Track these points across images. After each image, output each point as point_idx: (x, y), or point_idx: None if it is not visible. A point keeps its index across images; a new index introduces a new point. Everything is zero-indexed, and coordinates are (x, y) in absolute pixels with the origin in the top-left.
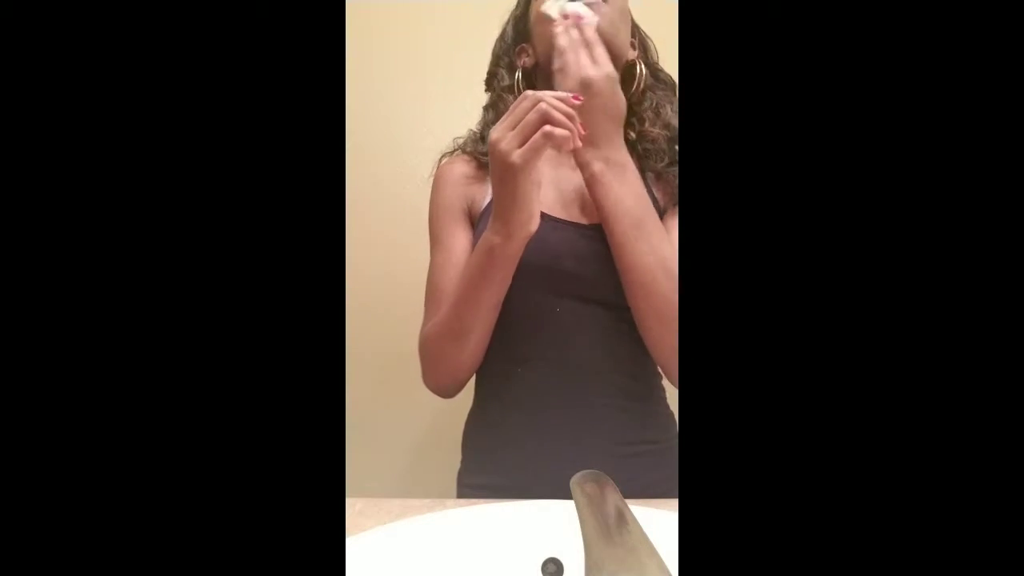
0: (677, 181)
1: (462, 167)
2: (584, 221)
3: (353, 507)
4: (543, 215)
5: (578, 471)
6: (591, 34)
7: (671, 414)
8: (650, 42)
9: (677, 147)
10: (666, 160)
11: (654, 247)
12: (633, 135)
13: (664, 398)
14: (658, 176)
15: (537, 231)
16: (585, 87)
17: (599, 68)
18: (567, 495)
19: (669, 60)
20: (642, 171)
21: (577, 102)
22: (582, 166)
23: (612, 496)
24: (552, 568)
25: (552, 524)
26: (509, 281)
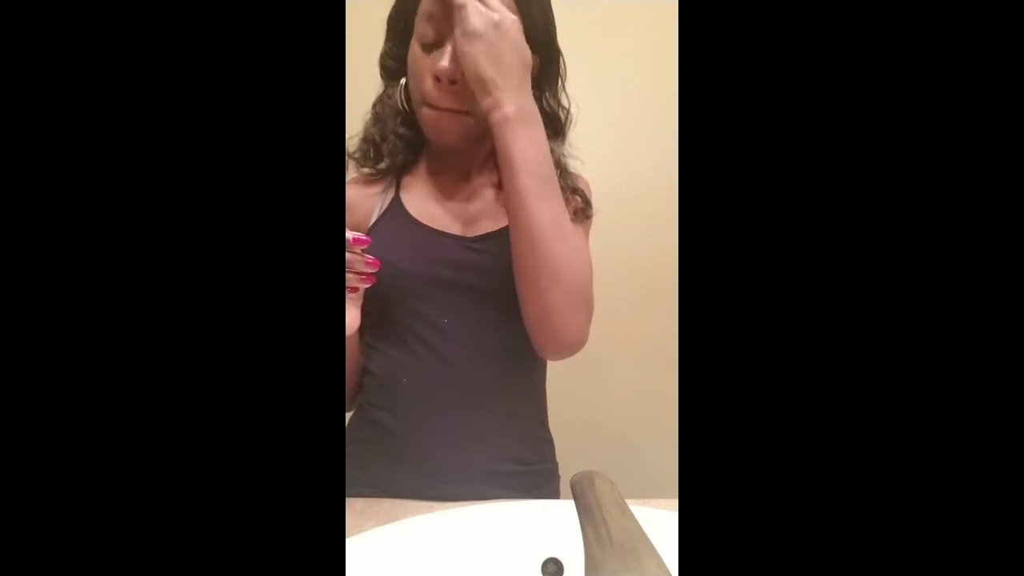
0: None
1: (350, 189)
2: (468, 234)
3: (353, 507)
4: (423, 227)
5: (451, 483)
6: None
7: (551, 439)
8: (557, 65)
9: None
10: None
11: (553, 207)
12: None
13: (546, 421)
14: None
15: (419, 242)
16: (494, 28)
17: (501, 12)
18: (435, 499)
19: (669, 60)
20: None
21: (358, 245)
22: (493, 105)
23: (612, 496)
24: (552, 568)
25: (552, 524)
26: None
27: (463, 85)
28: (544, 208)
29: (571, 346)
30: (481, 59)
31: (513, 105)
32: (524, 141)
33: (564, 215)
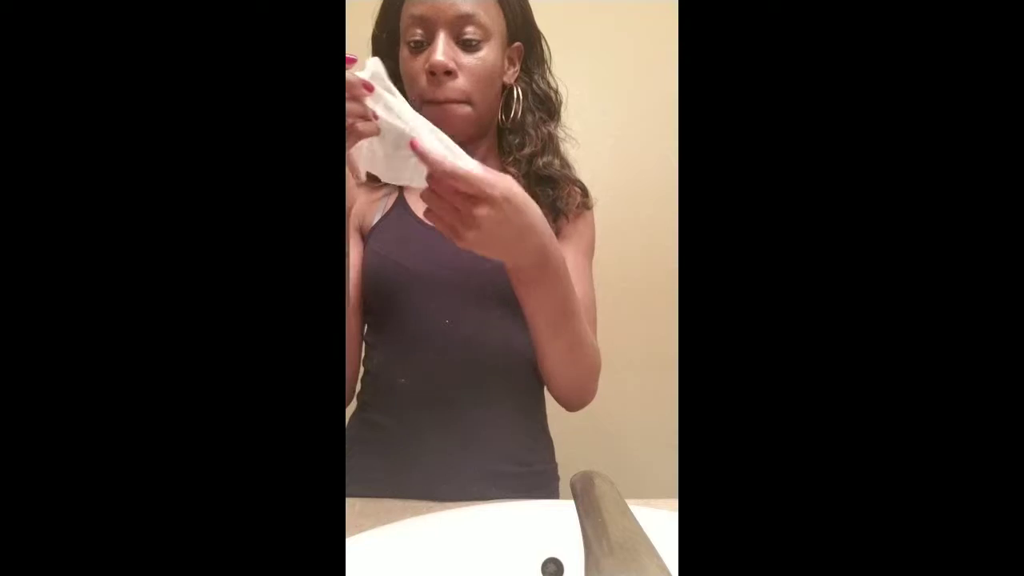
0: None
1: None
2: None
3: (353, 507)
4: (426, 225)
5: (450, 483)
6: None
7: (550, 440)
8: (541, 47)
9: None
10: (559, 188)
11: (577, 328)
12: (522, 162)
13: (546, 422)
14: (554, 201)
15: (421, 242)
16: (503, 202)
17: (499, 177)
18: (435, 499)
19: (669, 60)
20: (539, 201)
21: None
22: (514, 271)
23: (612, 496)
24: (552, 568)
25: (552, 524)
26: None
27: (458, 75)
28: (571, 337)
29: (586, 404)
30: (496, 248)
31: (514, 273)
32: (533, 299)
33: (584, 322)
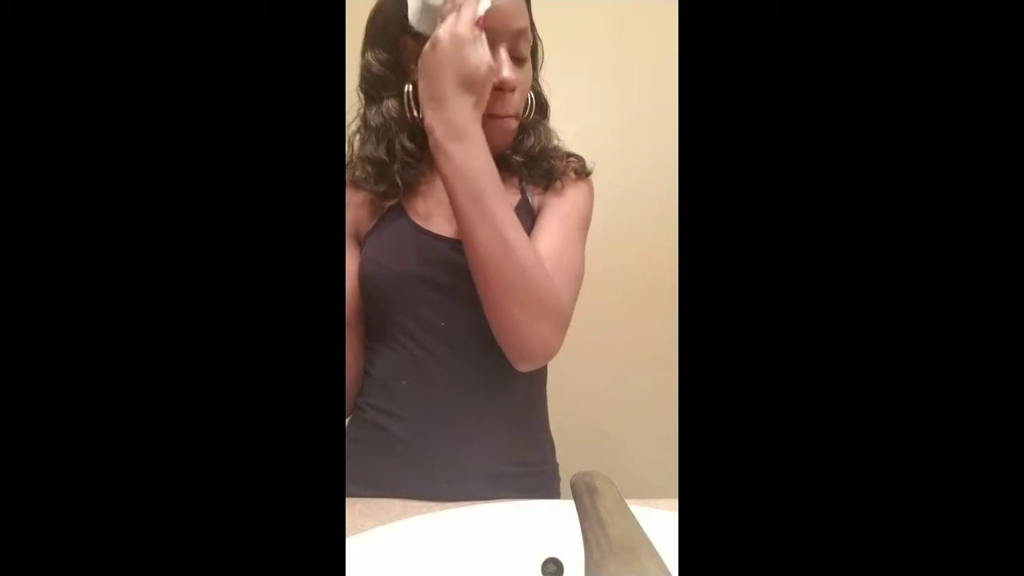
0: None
1: (350, 195)
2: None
3: (353, 507)
4: (421, 230)
5: (451, 484)
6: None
7: (551, 439)
8: (538, 49)
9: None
10: (551, 160)
11: (493, 224)
12: (518, 157)
13: (547, 423)
14: (548, 171)
15: (416, 246)
16: (432, 47)
17: (451, 30)
18: (435, 500)
19: (669, 60)
20: (530, 173)
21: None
22: (427, 130)
23: (612, 496)
24: (552, 568)
25: (552, 524)
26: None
27: (516, 91)
28: (480, 227)
29: (537, 356)
30: (420, 80)
31: (442, 127)
32: (456, 162)
33: (509, 227)
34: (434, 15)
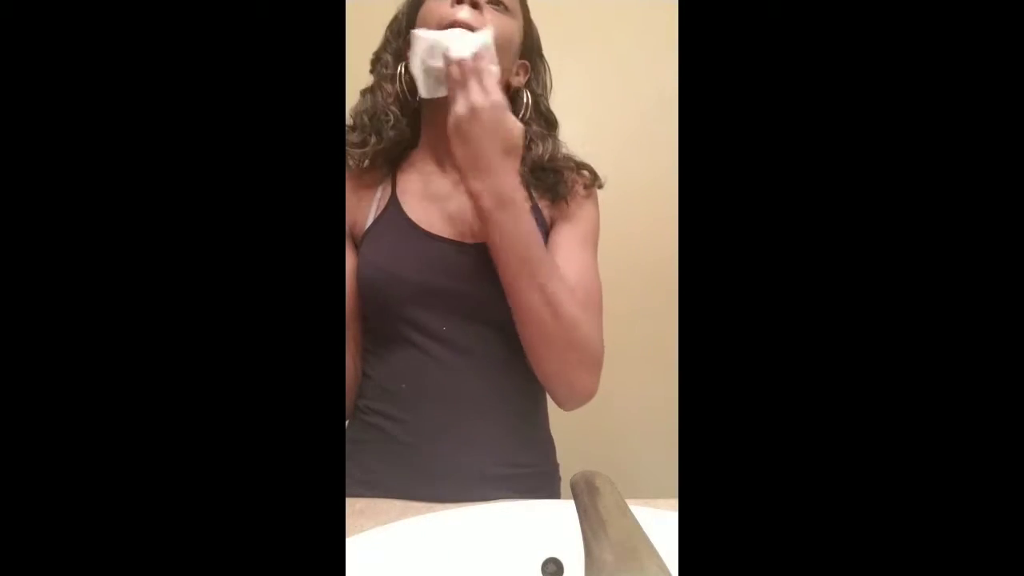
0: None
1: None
2: (466, 239)
3: (353, 507)
4: (421, 231)
5: (451, 485)
6: (483, 63)
7: (551, 440)
8: (545, 73)
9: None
10: (559, 174)
11: (543, 287)
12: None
13: (547, 424)
14: (554, 185)
15: (416, 249)
16: (474, 115)
17: (487, 96)
18: (435, 500)
19: (668, 60)
20: (538, 186)
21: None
22: (472, 196)
23: (612, 496)
24: (552, 568)
25: (552, 524)
26: None
27: (483, 14)
28: (528, 293)
29: (580, 400)
30: (458, 148)
31: (489, 197)
32: (503, 230)
33: (555, 286)
34: (438, 76)
